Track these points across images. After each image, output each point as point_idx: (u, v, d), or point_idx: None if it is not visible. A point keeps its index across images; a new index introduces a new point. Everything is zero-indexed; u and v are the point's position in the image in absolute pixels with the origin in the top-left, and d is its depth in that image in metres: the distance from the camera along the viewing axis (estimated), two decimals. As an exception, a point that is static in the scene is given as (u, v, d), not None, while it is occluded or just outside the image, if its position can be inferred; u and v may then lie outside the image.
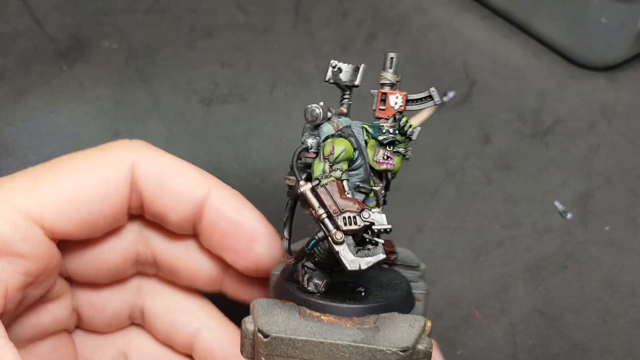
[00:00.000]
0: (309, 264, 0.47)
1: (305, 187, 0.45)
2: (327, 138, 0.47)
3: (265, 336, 0.43)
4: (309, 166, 0.47)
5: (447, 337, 0.82)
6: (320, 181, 0.45)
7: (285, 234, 0.51)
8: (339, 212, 0.44)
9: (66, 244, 0.57)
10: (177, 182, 0.55)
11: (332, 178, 0.45)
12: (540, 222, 0.87)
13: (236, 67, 0.95)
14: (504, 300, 0.84)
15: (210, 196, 0.55)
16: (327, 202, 0.44)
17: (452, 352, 0.81)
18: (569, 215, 0.88)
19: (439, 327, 0.83)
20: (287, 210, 0.49)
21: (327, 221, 0.44)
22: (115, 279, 0.60)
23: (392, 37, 0.97)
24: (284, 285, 0.48)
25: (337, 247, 0.43)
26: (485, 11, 0.99)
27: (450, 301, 0.83)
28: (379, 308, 0.47)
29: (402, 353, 0.42)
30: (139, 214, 0.58)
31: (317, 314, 0.45)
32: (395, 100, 0.49)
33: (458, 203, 0.89)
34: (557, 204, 0.88)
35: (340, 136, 0.47)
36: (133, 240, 0.59)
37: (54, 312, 0.56)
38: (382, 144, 0.49)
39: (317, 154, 0.47)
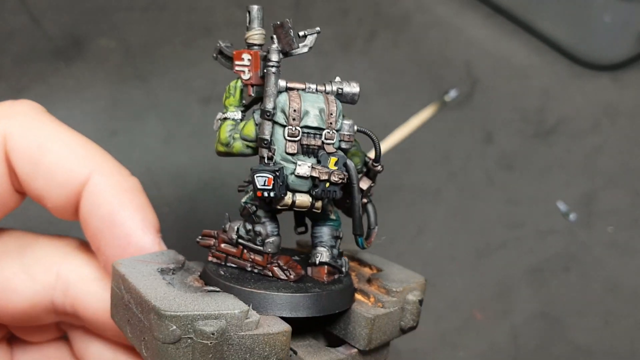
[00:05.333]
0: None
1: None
2: None
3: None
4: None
5: (448, 339, 0.81)
6: None
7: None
8: None
9: None
10: (54, 161, 0.47)
11: None
12: (543, 223, 0.87)
13: (235, 66, 0.94)
14: (506, 302, 0.83)
15: (89, 185, 0.48)
16: None
17: (453, 354, 0.81)
18: (572, 216, 0.87)
19: (440, 329, 0.82)
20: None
21: None
22: (33, 323, 0.53)
23: (393, 35, 0.97)
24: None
25: None
26: (487, 9, 0.98)
27: (452, 303, 0.83)
28: None
29: None
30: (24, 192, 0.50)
31: None
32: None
33: (460, 204, 0.88)
34: (559, 205, 0.88)
35: None
36: (47, 286, 0.51)
37: None
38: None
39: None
